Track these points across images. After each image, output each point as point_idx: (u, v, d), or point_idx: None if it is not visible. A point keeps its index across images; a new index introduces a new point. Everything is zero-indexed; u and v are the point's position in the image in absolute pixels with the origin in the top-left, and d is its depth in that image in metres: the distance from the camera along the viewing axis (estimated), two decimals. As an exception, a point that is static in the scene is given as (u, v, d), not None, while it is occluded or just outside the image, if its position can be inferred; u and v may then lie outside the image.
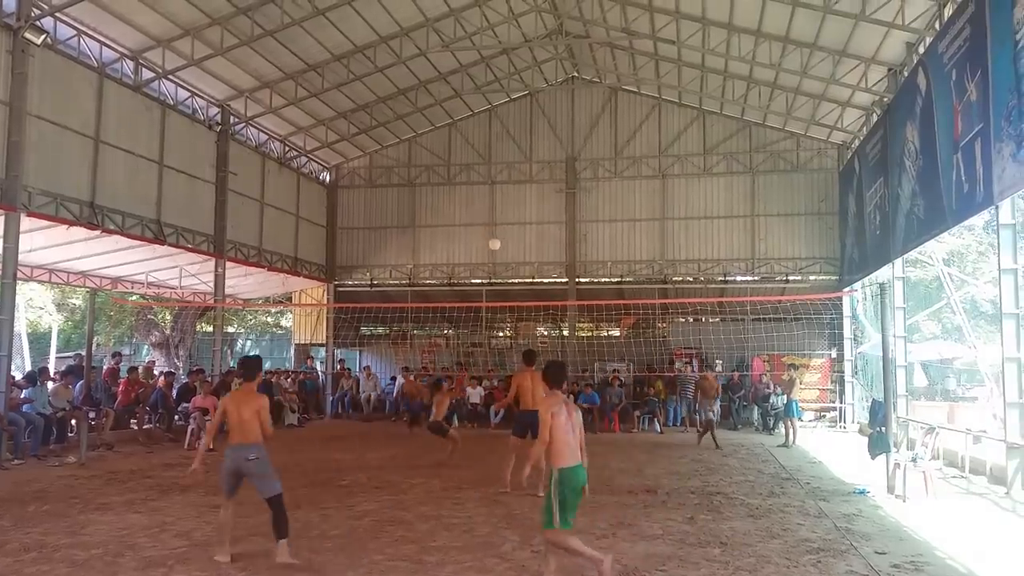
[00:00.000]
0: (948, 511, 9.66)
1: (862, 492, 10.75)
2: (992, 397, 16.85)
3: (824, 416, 21.79)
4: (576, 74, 24.39)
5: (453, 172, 25.18)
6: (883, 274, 17.26)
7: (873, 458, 11.79)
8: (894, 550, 7.58)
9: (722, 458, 14.28)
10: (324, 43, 18.61)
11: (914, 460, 10.72)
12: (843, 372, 21.78)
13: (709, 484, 11.45)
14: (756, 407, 20.43)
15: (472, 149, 25.13)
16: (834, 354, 22.14)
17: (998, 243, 11.15)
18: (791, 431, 16.77)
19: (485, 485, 10.88)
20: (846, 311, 21.88)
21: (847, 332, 21.90)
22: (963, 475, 12.15)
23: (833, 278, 22.37)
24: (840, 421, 21.29)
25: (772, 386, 19.58)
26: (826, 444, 17.04)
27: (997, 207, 10.60)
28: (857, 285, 20.39)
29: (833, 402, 21.88)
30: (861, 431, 18.71)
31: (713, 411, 16.87)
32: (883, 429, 11.70)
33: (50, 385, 15.37)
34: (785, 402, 17.37)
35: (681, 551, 7.42)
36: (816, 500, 10.22)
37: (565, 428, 6.02)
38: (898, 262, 16.39)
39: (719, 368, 22.06)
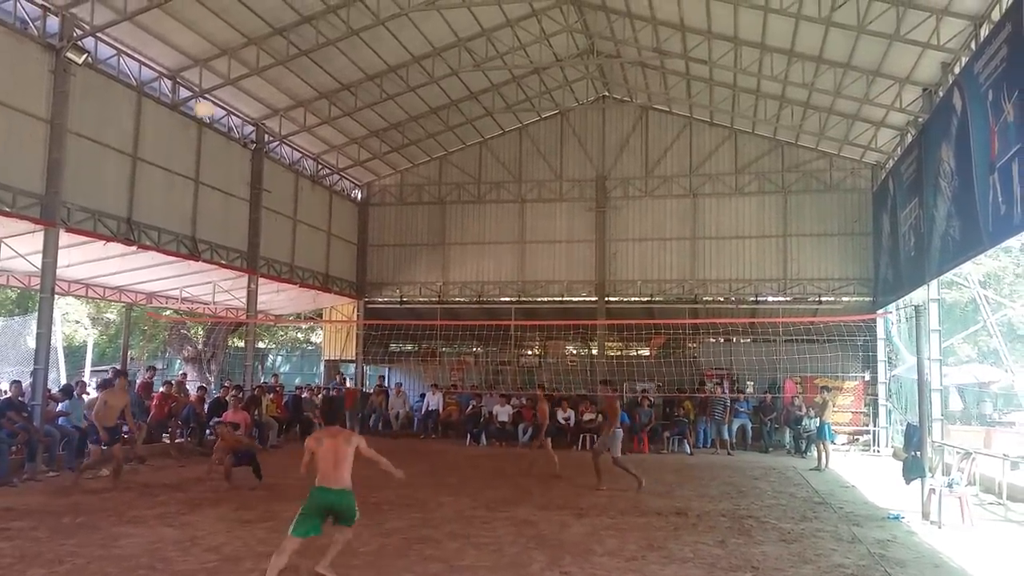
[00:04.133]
0: (985, 538, 9.49)
1: (896, 518, 10.58)
2: (1030, 422, 16.56)
3: (857, 439, 21.44)
4: (607, 93, 24.41)
5: (483, 190, 25.29)
6: (918, 296, 17.00)
7: (908, 483, 11.62)
8: (930, 578, 7.45)
9: (753, 481, 14.11)
10: (358, 63, 18.84)
11: (950, 486, 10.53)
12: (877, 395, 21.45)
13: (740, 507, 11.33)
14: (788, 429, 20.16)
15: (502, 167, 25.22)
16: (868, 376, 21.81)
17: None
18: (824, 454, 16.54)
19: (514, 504, 10.84)
20: (880, 333, 21.55)
21: (881, 354, 21.56)
22: (1000, 502, 11.89)
23: (867, 299, 22.07)
24: (874, 445, 20.94)
25: (804, 408, 19.31)
26: (859, 468, 16.79)
27: (1035, 229, 10.44)
28: (891, 307, 20.12)
29: (866, 425, 21.55)
30: (895, 455, 18.41)
31: (608, 443, 12.58)
32: (918, 453, 11.51)
33: (85, 398, 15.59)
34: (817, 425, 17.14)
35: (712, 575, 7.34)
36: (849, 525, 10.07)
37: (325, 454, 6.86)
38: (933, 284, 16.12)
39: (750, 389, 21.85)
